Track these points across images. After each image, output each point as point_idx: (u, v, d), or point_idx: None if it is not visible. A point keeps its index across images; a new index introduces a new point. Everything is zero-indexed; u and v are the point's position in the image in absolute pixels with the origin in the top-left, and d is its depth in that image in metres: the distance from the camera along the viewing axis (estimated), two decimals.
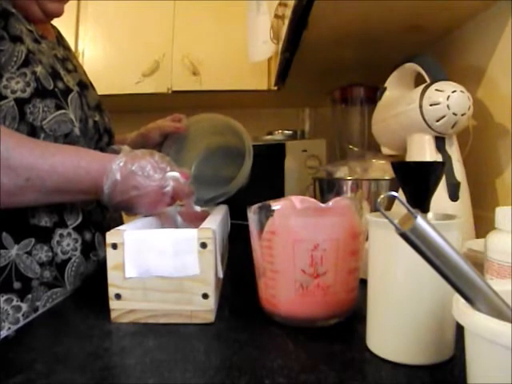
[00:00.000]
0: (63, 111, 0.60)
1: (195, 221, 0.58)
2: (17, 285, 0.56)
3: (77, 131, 0.62)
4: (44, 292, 0.58)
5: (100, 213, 0.69)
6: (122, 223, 0.73)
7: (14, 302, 0.55)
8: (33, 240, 0.58)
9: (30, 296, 0.56)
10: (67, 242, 0.61)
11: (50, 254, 0.59)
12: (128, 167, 0.54)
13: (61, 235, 0.61)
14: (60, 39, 0.74)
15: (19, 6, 0.61)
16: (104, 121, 0.74)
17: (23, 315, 0.55)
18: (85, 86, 0.72)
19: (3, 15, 0.57)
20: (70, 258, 0.61)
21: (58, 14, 0.67)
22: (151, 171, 0.55)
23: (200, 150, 0.90)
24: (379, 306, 0.37)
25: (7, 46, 0.56)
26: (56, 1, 0.64)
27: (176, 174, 0.56)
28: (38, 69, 0.58)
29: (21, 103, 0.56)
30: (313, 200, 0.44)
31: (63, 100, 0.60)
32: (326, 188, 0.88)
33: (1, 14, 0.56)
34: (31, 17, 0.63)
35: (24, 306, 0.55)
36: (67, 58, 0.71)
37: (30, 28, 0.62)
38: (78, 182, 0.53)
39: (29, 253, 0.57)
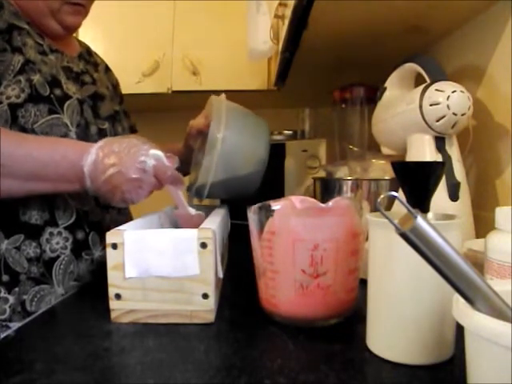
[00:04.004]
0: (56, 115, 0.62)
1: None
2: (5, 277, 0.59)
3: (72, 135, 0.64)
4: (31, 287, 0.60)
5: (99, 213, 0.69)
6: None
7: (2, 294, 0.58)
8: (22, 236, 0.60)
9: (17, 289, 0.59)
10: (57, 241, 0.63)
11: (38, 250, 0.61)
12: (107, 147, 0.54)
13: (51, 233, 0.62)
14: (85, 54, 0.78)
15: (37, 23, 0.66)
16: (116, 130, 0.76)
17: (10, 307, 0.58)
18: (100, 97, 0.74)
19: (8, 30, 0.61)
20: (58, 256, 0.63)
21: (76, 28, 0.71)
22: (131, 148, 0.53)
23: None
24: (379, 306, 0.37)
25: (7, 56, 0.59)
26: (72, 14, 0.67)
27: (159, 152, 0.54)
28: (36, 77, 0.61)
29: (14, 107, 0.59)
30: (313, 200, 0.44)
31: (58, 106, 0.63)
32: (326, 188, 0.88)
33: (6, 29, 0.61)
34: (49, 32, 0.68)
35: (11, 299, 0.58)
36: (86, 71, 0.75)
37: (41, 42, 0.66)
38: (55, 166, 0.54)
39: (17, 248, 0.60)
